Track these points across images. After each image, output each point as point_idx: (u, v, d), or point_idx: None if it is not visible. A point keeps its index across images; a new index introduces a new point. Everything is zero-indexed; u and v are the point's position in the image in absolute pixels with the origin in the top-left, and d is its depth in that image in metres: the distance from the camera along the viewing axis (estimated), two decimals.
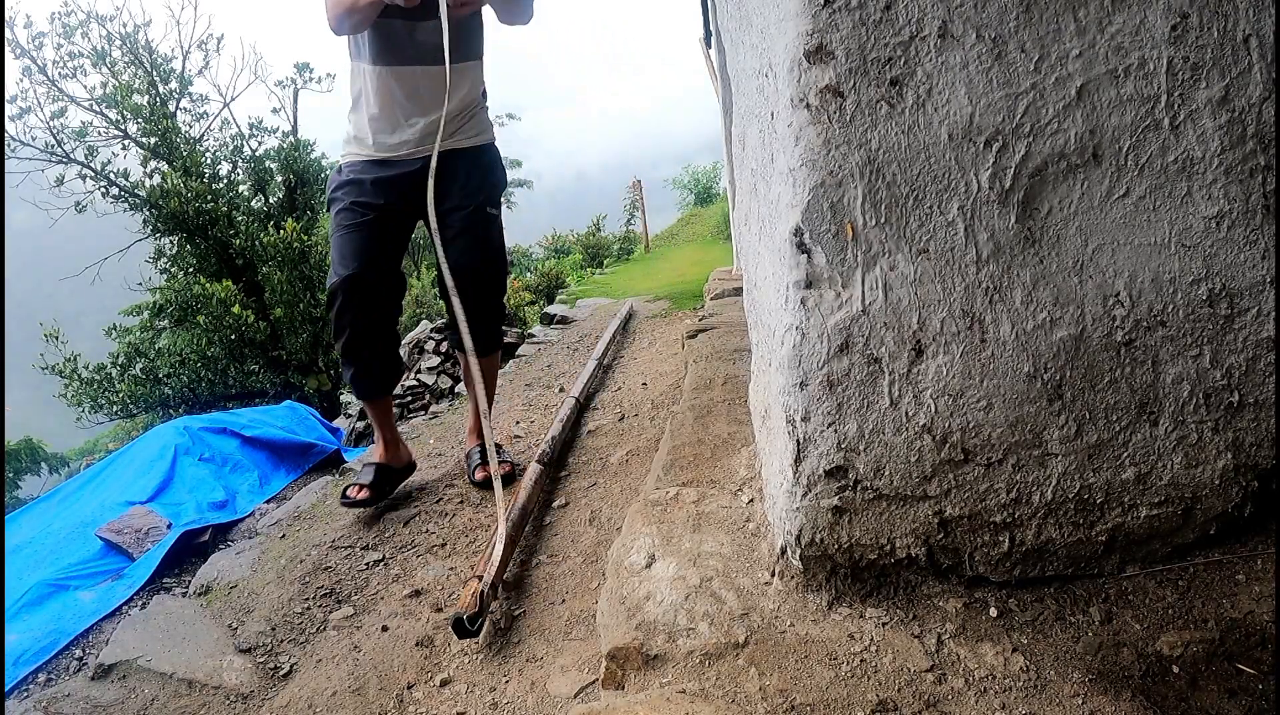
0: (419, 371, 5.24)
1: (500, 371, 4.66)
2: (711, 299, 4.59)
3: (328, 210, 2.37)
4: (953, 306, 1.06)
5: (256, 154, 10.94)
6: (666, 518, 1.45)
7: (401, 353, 5.59)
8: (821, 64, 1.04)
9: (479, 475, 2.50)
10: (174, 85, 10.68)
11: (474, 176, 2.35)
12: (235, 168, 10.92)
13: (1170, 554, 1.12)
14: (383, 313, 2.31)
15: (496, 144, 2.51)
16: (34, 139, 10.00)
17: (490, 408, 2.61)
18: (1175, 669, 0.98)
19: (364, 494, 2.38)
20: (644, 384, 3.51)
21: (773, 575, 1.21)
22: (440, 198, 2.28)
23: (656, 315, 5.68)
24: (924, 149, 1.04)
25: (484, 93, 2.44)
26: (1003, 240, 1.05)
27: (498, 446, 2.63)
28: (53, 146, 10.01)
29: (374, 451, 2.53)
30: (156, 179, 9.87)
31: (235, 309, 8.77)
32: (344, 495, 2.40)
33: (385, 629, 1.76)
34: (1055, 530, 1.10)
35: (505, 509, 1.90)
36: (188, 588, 2.17)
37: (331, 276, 2.28)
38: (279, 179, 10.91)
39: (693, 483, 1.62)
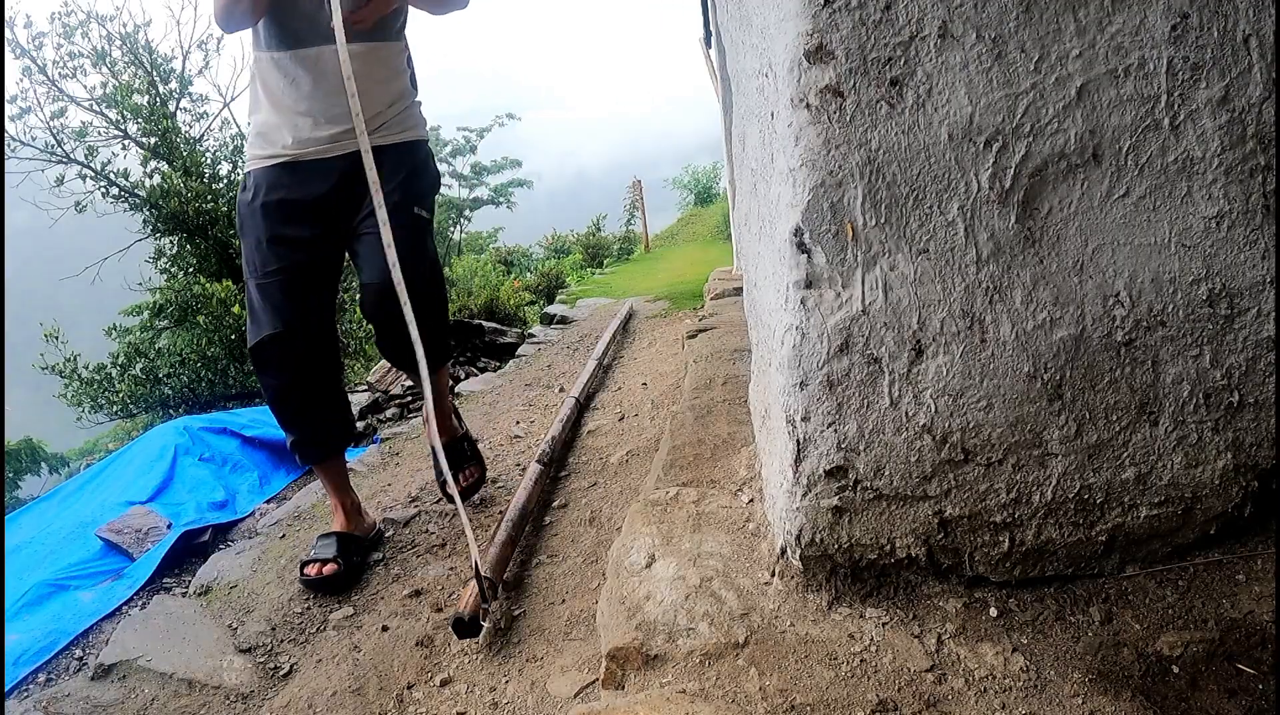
0: None
1: (500, 371, 4.66)
2: (711, 299, 4.59)
3: (240, 236, 1.97)
4: (953, 306, 1.06)
5: None
6: (666, 518, 1.45)
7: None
8: (821, 64, 1.04)
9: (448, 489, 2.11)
10: (174, 85, 10.68)
11: (400, 174, 1.96)
12: (235, 168, 10.92)
13: (1170, 554, 1.12)
14: (320, 365, 1.96)
15: (429, 143, 2.15)
16: (34, 139, 10.00)
17: (441, 421, 2.25)
18: (1175, 669, 0.98)
19: (330, 569, 1.95)
20: (644, 384, 3.51)
21: (773, 575, 1.21)
22: (358, 202, 1.94)
23: (656, 315, 5.68)
24: (924, 149, 1.04)
25: (413, 80, 2.06)
26: (1003, 240, 1.05)
27: (465, 445, 2.34)
28: (53, 146, 10.00)
29: (332, 521, 2.13)
30: (156, 179, 9.86)
31: (235, 309, 8.77)
32: (302, 574, 1.98)
33: (385, 629, 1.76)
34: (1055, 530, 1.10)
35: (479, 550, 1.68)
36: (188, 588, 2.17)
37: (253, 332, 1.91)
38: None
39: (693, 483, 1.62)
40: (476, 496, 2.46)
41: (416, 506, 2.43)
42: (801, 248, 1.08)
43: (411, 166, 2.00)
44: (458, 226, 21.86)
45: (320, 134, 1.90)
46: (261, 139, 1.94)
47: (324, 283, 1.99)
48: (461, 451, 2.34)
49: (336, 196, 1.92)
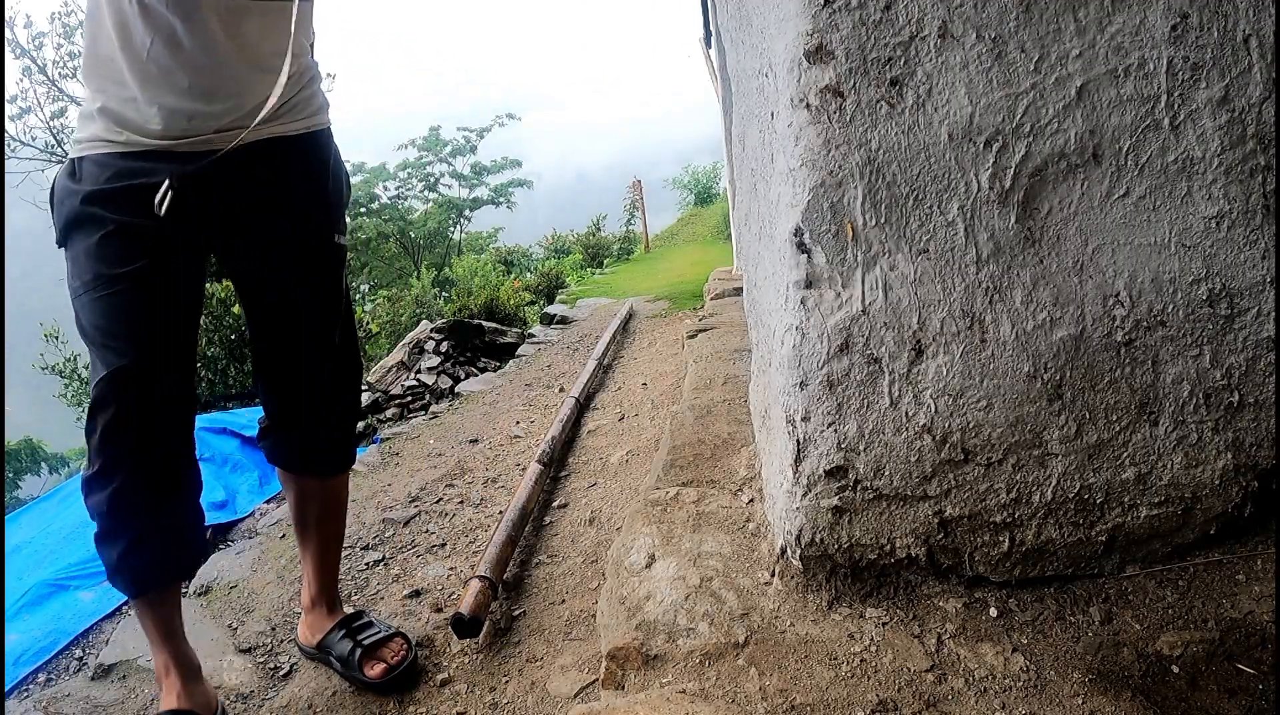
0: (419, 371, 5.24)
1: (500, 371, 4.66)
2: (711, 299, 4.60)
3: (62, 245, 1.31)
4: (953, 306, 1.06)
5: None
6: (666, 518, 1.45)
7: (401, 354, 5.59)
8: (821, 64, 1.04)
9: (373, 671, 1.50)
10: None
11: (312, 179, 1.41)
12: None
13: (1170, 554, 1.12)
14: (179, 428, 1.33)
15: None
16: (34, 139, 10.02)
17: (339, 557, 1.67)
18: (1175, 669, 0.98)
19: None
20: (644, 384, 3.51)
21: (773, 575, 1.22)
22: (245, 213, 1.37)
23: (656, 315, 5.68)
24: (924, 149, 1.04)
25: (313, 55, 1.45)
26: (1003, 240, 1.05)
27: (362, 619, 1.60)
28: (53, 146, 10.02)
29: (164, 693, 1.41)
30: None
31: (235, 309, 8.77)
32: None
33: None
34: (1055, 530, 1.10)
35: None
36: (187, 588, 2.17)
37: (96, 368, 1.28)
38: None
39: (693, 483, 1.62)
40: (478, 495, 2.46)
41: (416, 506, 2.43)
42: (801, 248, 1.08)
43: (322, 167, 1.43)
44: (458, 226, 21.88)
45: (209, 116, 1.28)
46: (109, 117, 1.28)
47: (186, 297, 1.34)
48: (363, 627, 1.58)
49: (216, 186, 1.32)
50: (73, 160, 1.32)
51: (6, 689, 1.78)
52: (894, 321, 1.07)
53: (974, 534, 1.11)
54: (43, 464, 10.01)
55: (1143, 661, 0.99)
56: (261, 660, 1.74)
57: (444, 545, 2.15)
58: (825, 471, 1.11)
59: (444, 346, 5.52)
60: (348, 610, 1.65)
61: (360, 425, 5.12)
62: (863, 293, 1.07)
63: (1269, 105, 1.01)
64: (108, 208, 1.27)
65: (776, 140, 1.16)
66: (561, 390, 3.72)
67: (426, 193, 21.24)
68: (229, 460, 3.11)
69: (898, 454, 1.09)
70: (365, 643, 1.54)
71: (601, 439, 2.81)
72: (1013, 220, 1.05)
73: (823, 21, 1.04)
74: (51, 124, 10.05)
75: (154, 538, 1.34)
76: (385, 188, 20.25)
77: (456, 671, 1.57)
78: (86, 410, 1.28)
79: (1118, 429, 1.07)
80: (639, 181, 17.63)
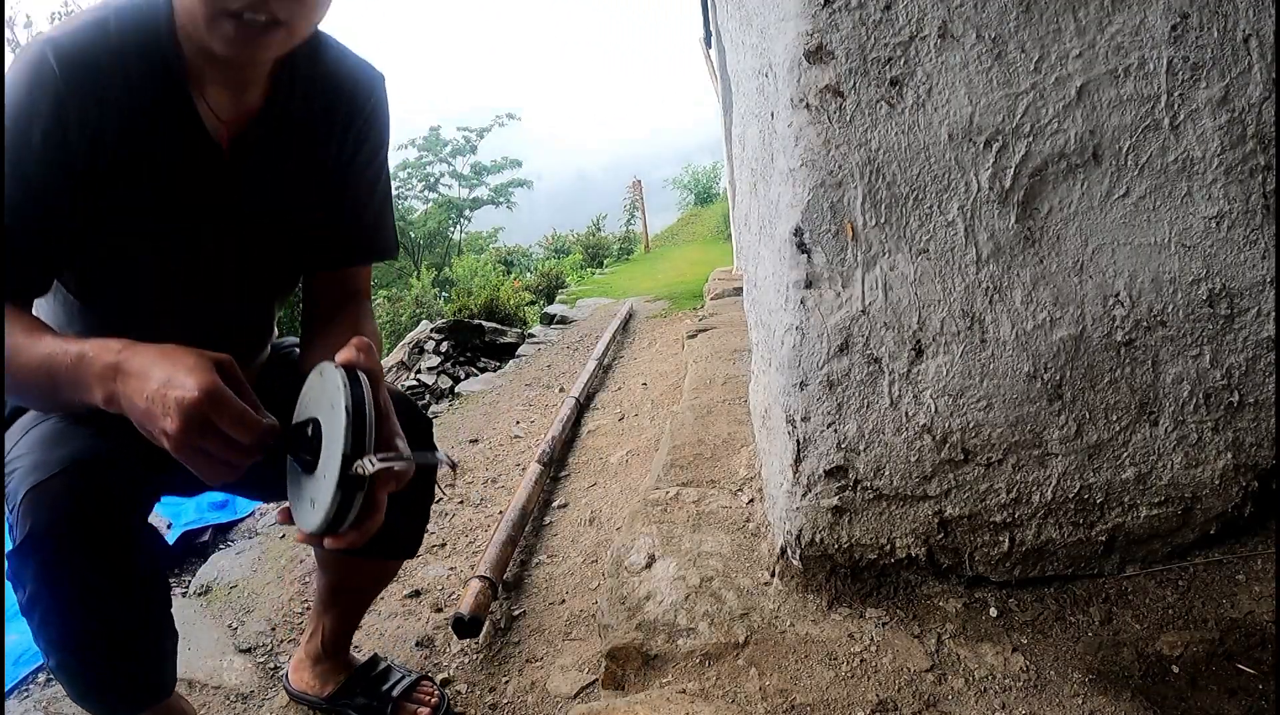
0: (419, 371, 5.24)
1: (500, 371, 4.67)
2: (711, 299, 4.61)
3: None
4: (953, 306, 1.06)
5: None
6: (666, 518, 1.45)
7: (401, 354, 5.59)
8: (821, 64, 1.05)
9: None
10: None
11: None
12: None
13: (1170, 554, 1.12)
14: (132, 551, 0.94)
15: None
16: None
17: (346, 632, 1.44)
18: (1175, 669, 0.98)
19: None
20: (644, 384, 3.51)
21: (773, 575, 1.22)
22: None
23: (656, 315, 5.69)
24: (924, 149, 1.04)
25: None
26: (1003, 240, 1.05)
27: (379, 666, 1.45)
28: None
29: None
30: None
31: None
32: None
33: (385, 629, 1.76)
34: (1055, 530, 1.10)
35: None
36: (188, 588, 2.17)
37: (17, 482, 0.90)
38: None
39: (693, 483, 1.62)
40: (478, 495, 2.45)
41: None
42: (801, 248, 1.08)
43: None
44: (458, 226, 21.90)
45: None
46: None
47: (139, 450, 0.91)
48: (384, 675, 1.44)
49: None
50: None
51: (6, 689, 1.77)
52: (894, 321, 1.07)
53: (974, 534, 1.11)
54: None
55: (1143, 661, 0.99)
56: (261, 660, 1.74)
57: (444, 545, 2.15)
58: (825, 471, 1.11)
59: (444, 346, 5.52)
60: (358, 657, 1.48)
61: None
62: (863, 293, 1.07)
63: (1269, 105, 1.01)
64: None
65: (776, 140, 1.16)
66: (561, 390, 3.72)
67: (426, 193, 21.26)
68: None
69: (898, 454, 1.09)
70: (395, 694, 1.40)
71: (601, 439, 2.81)
72: (1013, 220, 1.05)
73: (823, 21, 1.04)
74: None
75: (134, 666, 1.05)
76: None
77: (456, 671, 1.57)
78: (16, 543, 0.88)
79: (1118, 429, 1.07)
80: (639, 181, 17.65)
